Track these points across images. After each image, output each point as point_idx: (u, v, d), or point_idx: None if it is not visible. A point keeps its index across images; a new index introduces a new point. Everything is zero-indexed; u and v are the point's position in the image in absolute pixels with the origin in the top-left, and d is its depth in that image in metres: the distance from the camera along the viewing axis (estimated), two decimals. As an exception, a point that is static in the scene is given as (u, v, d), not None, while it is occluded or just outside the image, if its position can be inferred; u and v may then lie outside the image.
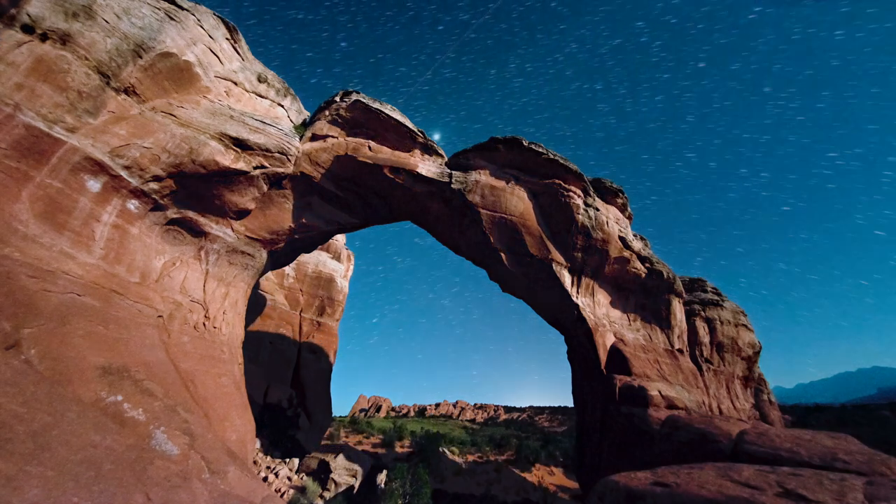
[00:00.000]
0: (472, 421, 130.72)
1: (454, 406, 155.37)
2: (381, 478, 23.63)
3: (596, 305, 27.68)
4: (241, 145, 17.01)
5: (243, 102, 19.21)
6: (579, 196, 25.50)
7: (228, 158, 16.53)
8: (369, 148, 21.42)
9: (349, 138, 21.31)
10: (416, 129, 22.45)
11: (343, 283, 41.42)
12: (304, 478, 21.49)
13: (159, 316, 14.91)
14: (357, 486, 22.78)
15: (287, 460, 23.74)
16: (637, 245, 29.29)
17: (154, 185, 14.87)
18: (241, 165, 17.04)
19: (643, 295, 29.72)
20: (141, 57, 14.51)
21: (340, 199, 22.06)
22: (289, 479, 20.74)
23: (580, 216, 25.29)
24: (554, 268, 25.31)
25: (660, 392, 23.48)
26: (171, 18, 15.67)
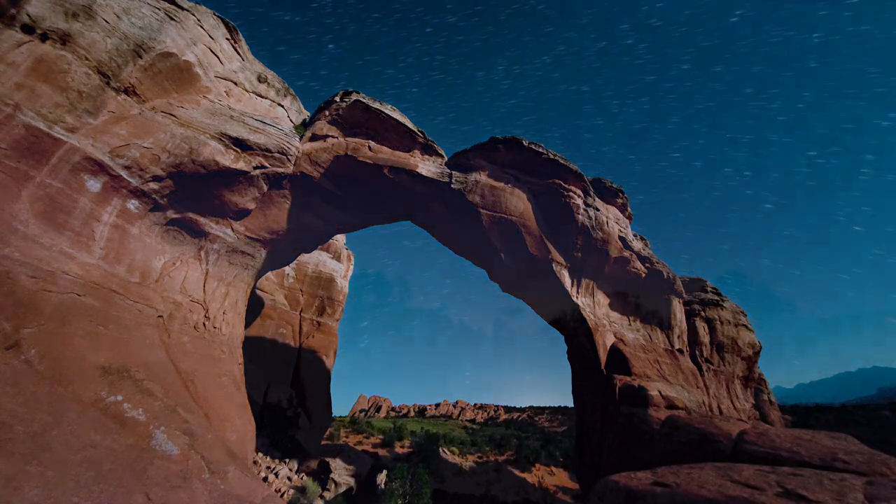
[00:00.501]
0: (472, 421, 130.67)
1: (454, 406, 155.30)
2: (381, 478, 23.64)
3: (596, 305, 27.68)
4: (241, 145, 17.01)
5: (243, 102, 19.21)
6: (579, 196, 25.49)
7: (228, 158, 16.53)
8: (369, 148, 21.42)
9: (349, 138, 21.32)
10: (415, 129, 22.45)
11: (343, 283, 41.40)
12: (304, 478, 21.50)
13: (159, 316, 14.91)
14: (357, 486, 22.79)
15: (287, 460, 23.74)
16: (637, 245, 29.29)
17: (154, 185, 14.87)
18: (241, 165, 17.04)
19: (643, 295, 29.72)
20: (141, 57, 14.52)
21: (340, 200, 22.05)
22: (289, 479, 20.74)
23: (580, 216, 25.29)
24: (554, 268, 25.31)
25: (660, 392, 23.48)
26: (171, 18, 15.68)
